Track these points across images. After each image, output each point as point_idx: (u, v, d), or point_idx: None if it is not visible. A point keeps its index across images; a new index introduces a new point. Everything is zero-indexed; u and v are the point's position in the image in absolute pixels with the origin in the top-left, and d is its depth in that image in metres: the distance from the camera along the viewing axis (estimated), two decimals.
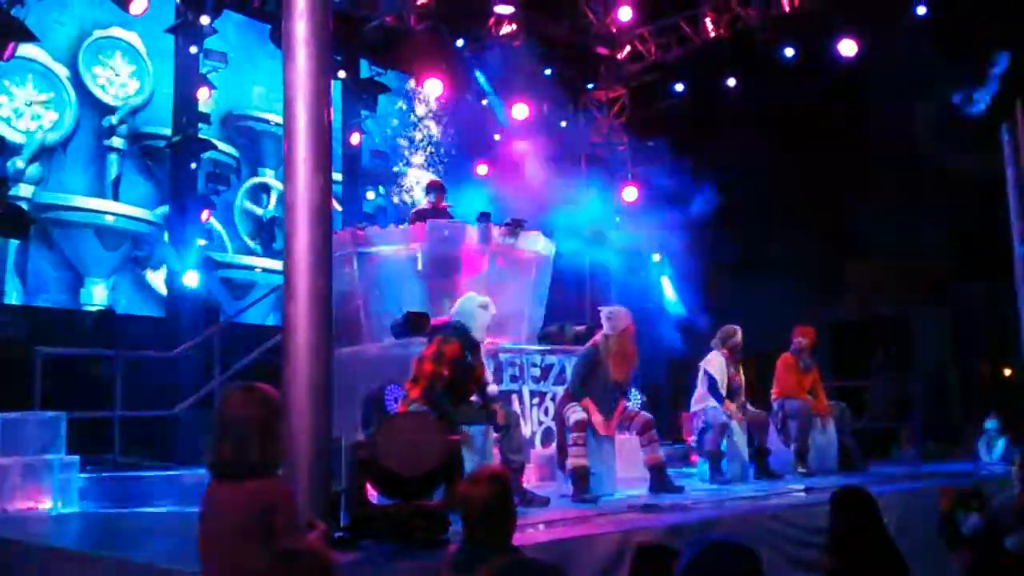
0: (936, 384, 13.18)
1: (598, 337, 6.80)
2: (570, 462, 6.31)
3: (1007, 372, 13.41)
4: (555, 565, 2.58)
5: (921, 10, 11.41)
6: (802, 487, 6.72)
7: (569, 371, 8.20)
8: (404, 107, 15.05)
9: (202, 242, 11.83)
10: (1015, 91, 10.18)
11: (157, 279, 12.30)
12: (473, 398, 6.07)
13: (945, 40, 11.13)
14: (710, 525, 4.98)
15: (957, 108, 10.89)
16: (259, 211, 13.74)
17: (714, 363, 7.82)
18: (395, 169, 14.79)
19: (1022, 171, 10.26)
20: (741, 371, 7.97)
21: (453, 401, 5.83)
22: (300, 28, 4.37)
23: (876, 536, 3.61)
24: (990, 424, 9.75)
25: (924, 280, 13.48)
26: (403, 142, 14.96)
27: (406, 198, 14.55)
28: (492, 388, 6.13)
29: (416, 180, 14.76)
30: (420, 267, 8.42)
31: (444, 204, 8.88)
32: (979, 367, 14.02)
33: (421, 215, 8.78)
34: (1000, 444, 9.56)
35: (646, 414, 6.88)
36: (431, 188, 9.12)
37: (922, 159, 12.15)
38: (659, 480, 6.62)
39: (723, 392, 7.73)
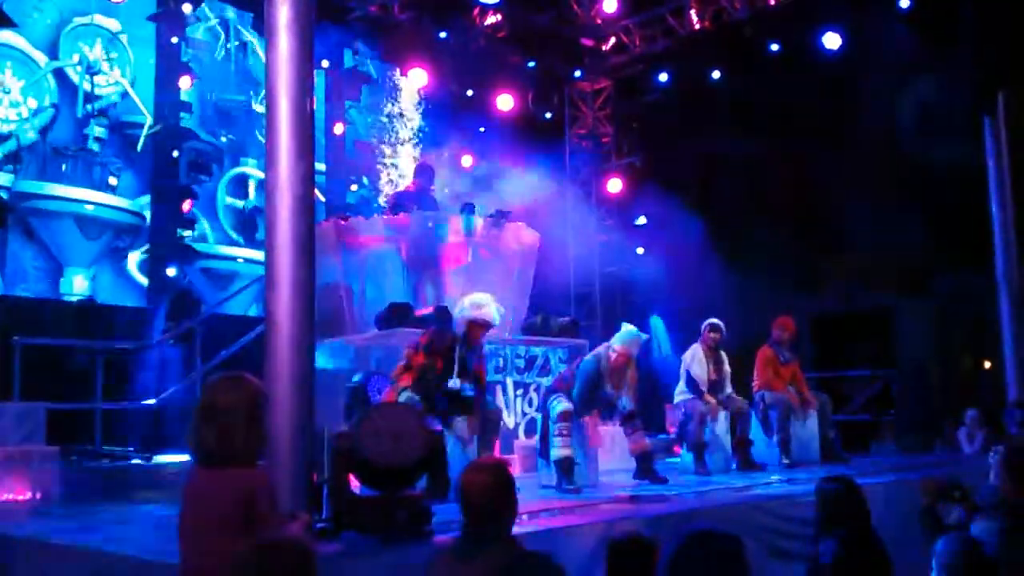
0: (917, 376, 13.25)
1: (600, 349, 6.78)
2: (555, 453, 6.31)
3: (987, 364, 13.49)
4: (555, 563, 2.56)
5: (904, 1, 11.43)
6: (784, 478, 6.75)
7: (554, 363, 8.23)
8: (386, 101, 15.00)
9: (184, 232, 11.76)
10: (998, 83, 10.23)
11: (138, 269, 12.21)
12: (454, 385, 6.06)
13: (929, 32, 11.17)
14: (693, 516, 4.99)
15: (939, 99, 10.94)
16: (240, 202, 13.66)
17: (693, 356, 7.84)
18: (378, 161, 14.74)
19: (1003, 162, 10.32)
20: (725, 363, 7.98)
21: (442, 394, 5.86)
22: (283, 14, 4.33)
23: (860, 526, 3.62)
24: (970, 416, 9.81)
25: (906, 273, 13.53)
26: (386, 138, 14.90)
27: (387, 189, 14.49)
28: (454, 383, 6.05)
29: (400, 173, 14.72)
30: (404, 258, 8.40)
31: (431, 188, 8.83)
32: (960, 359, 14.11)
33: (403, 198, 8.73)
34: (980, 436, 9.63)
35: (630, 404, 6.89)
36: (419, 170, 9.07)
37: (904, 151, 12.19)
38: (644, 468, 6.64)
39: (703, 385, 7.74)
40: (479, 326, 6.09)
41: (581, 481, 6.33)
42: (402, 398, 5.73)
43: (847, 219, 13.19)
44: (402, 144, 14.97)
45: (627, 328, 6.76)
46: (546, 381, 7.88)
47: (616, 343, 6.65)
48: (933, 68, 11.24)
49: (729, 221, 12.89)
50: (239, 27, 13.54)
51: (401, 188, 9.11)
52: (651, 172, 14.26)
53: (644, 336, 6.77)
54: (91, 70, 12.10)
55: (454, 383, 5.90)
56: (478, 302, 6.13)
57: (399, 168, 14.63)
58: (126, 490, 7.04)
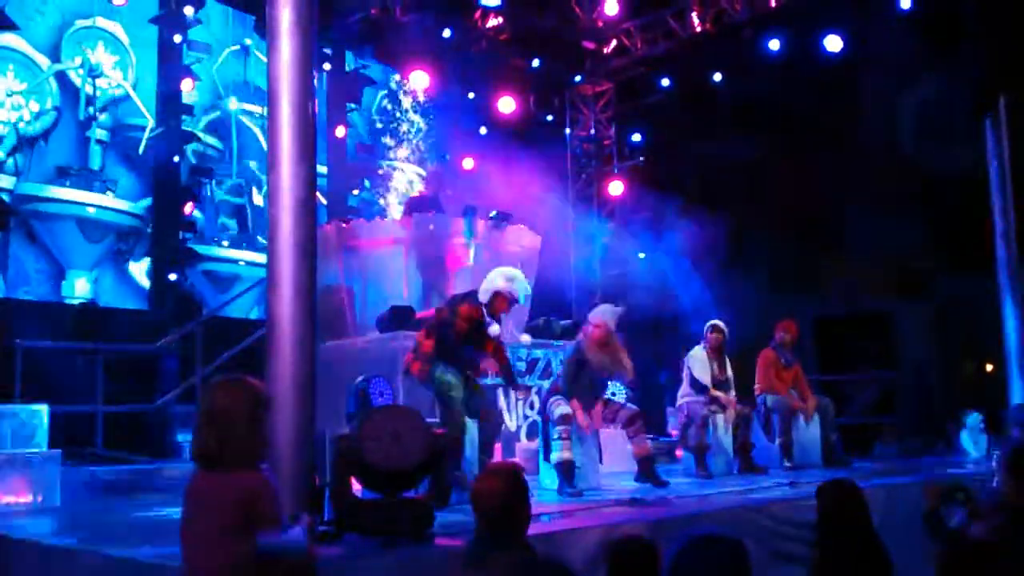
0: (918, 379, 13.24)
1: (580, 335, 6.81)
2: (556, 456, 6.30)
3: (989, 367, 13.48)
4: (570, 569, 2.54)
5: (906, 3, 11.43)
6: (786, 481, 6.74)
7: (555, 366, 8.22)
8: (388, 103, 15.00)
9: (185, 235, 11.76)
10: (999, 85, 10.23)
11: (140, 272, 12.21)
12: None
13: (930, 34, 11.17)
14: (695, 519, 4.99)
15: (940, 102, 10.93)
16: (246, 200, 13.66)
17: (696, 357, 7.84)
18: (380, 164, 14.74)
19: (1005, 165, 10.31)
20: (728, 366, 7.97)
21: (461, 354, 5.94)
22: (285, 17, 4.34)
23: (862, 529, 3.61)
24: (972, 419, 9.78)
25: (908, 275, 13.53)
26: (388, 140, 14.90)
27: (392, 198, 14.50)
28: (494, 328, 6.13)
29: (402, 173, 14.72)
30: (405, 261, 8.41)
31: (442, 194, 8.87)
32: (961, 362, 14.09)
33: (417, 203, 8.76)
34: (984, 439, 9.60)
35: (632, 407, 6.90)
36: (432, 177, 9.12)
37: (906, 153, 12.19)
38: (646, 471, 6.64)
39: (706, 387, 7.72)
40: (504, 299, 6.09)
41: (582, 484, 6.33)
42: (438, 371, 5.76)
43: (848, 221, 13.20)
44: (403, 147, 14.97)
45: (597, 309, 6.83)
46: (548, 384, 7.87)
47: (591, 317, 6.69)
48: (934, 70, 11.24)
49: (730, 223, 12.88)
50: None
51: (415, 193, 9.18)
52: (652, 175, 14.26)
53: (619, 308, 6.82)
54: (93, 73, 12.11)
55: (496, 329, 6.02)
56: (510, 275, 6.15)
57: (401, 171, 14.64)
58: (127, 493, 7.04)
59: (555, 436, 6.35)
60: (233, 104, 13.48)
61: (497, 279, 6.09)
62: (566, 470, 6.23)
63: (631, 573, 3.05)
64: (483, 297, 6.06)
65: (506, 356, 6.38)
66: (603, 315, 6.69)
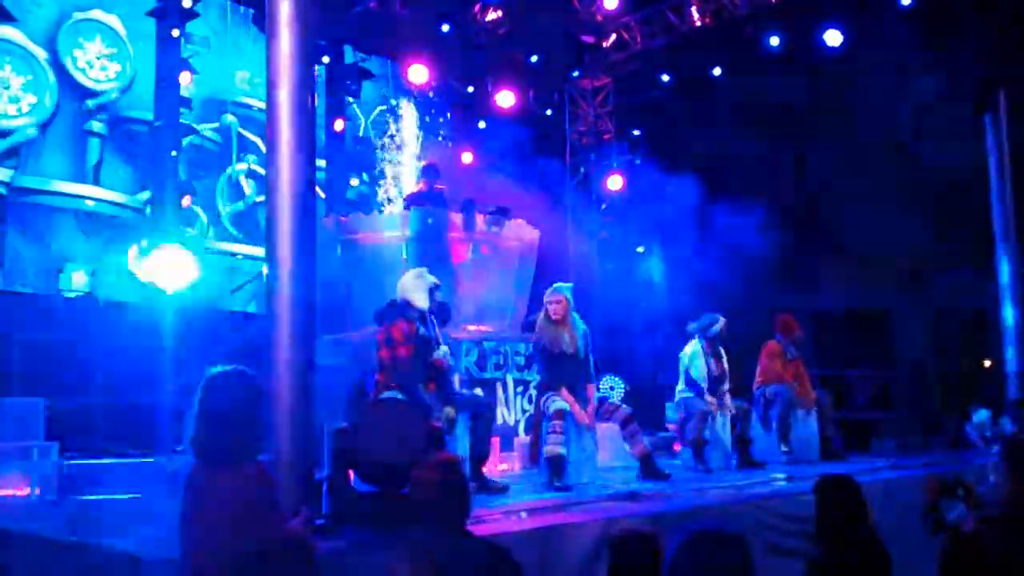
0: (916, 375, 13.25)
1: (539, 315, 6.83)
2: (547, 450, 6.30)
3: (986, 364, 13.49)
4: (502, 547, 2.57)
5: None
6: (784, 476, 6.75)
7: None
8: (387, 96, 14.98)
9: (190, 230, 11.74)
10: (999, 81, 10.23)
11: (138, 265, 12.17)
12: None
13: (930, 29, 11.16)
14: (693, 513, 4.99)
15: (940, 98, 10.94)
16: (244, 194, 13.64)
17: (692, 355, 7.81)
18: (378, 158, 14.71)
19: (1004, 161, 10.31)
20: (724, 360, 7.95)
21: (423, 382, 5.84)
22: (284, 10, 4.33)
23: (860, 524, 3.61)
24: (980, 415, 9.77)
25: (905, 271, 13.55)
26: (385, 139, 14.88)
27: (391, 191, 14.48)
28: (442, 350, 6.05)
29: (401, 166, 14.71)
30: (404, 254, 8.40)
31: (439, 187, 8.85)
32: (959, 358, 14.11)
33: (417, 198, 8.74)
34: (990, 435, 9.59)
35: (627, 408, 6.90)
36: (426, 170, 9.10)
37: (905, 148, 12.19)
38: (648, 468, 6.65)
39: (703, 382, 7.71)
40: (413, 321, 5.97)
41: (577, 479, 6.32)
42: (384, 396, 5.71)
43: (847, 217, 13.21)
44: (402, 141, 14.95)
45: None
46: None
47: (547, 295, 6.68)
48: (934, 66, 11.24)
49: (728, 218, 12.89)
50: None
51: (414, 190, 9.15)
52: (651, 169, 14.26)
53: (568, 284, 6.85)
54: (91, 65, 12.08)
55: (443, 351, 5.89)
56: (414, 285, 6.04)
57: (400, 164, 14.62)
58: (125, 486, 7.02)
59: (547, 431, 6.34)
60: (231, 97, 13.45)
61: (415, 298, 5.96)
62: (555, 464, 6.22)
63: (633, 567, 3.05)
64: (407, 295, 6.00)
65: (446, 378, 6.16)
66: (554, 292, 6.68)
